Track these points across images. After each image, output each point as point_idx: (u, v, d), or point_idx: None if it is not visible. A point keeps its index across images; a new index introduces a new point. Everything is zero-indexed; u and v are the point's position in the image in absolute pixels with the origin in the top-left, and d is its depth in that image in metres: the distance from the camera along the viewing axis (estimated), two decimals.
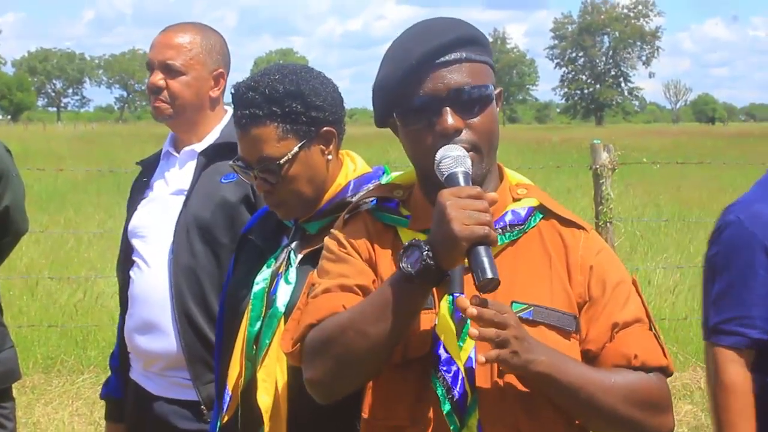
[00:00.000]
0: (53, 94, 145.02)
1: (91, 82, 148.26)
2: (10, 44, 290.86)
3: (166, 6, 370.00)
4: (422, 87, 1.78)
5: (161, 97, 2.85)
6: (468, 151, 1.76)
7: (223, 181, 2.73)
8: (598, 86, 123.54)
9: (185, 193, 2.81)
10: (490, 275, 1.59)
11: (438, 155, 1.74)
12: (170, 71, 2.84)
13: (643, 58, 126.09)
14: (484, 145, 1.80)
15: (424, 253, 1.63)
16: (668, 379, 1.85)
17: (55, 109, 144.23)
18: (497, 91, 1.86)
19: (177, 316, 2.71)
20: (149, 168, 3.01)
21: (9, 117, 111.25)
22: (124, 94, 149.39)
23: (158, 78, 2.83)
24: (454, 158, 1.72)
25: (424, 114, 1.79)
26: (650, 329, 1.83)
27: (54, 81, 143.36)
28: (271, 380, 2.09)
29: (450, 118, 1.76)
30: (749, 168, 18.25)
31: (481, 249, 1.60)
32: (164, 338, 2.75)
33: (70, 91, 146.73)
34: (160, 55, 2.84)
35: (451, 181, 1.70)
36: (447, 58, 1.79)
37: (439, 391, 1.73)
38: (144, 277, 2.82)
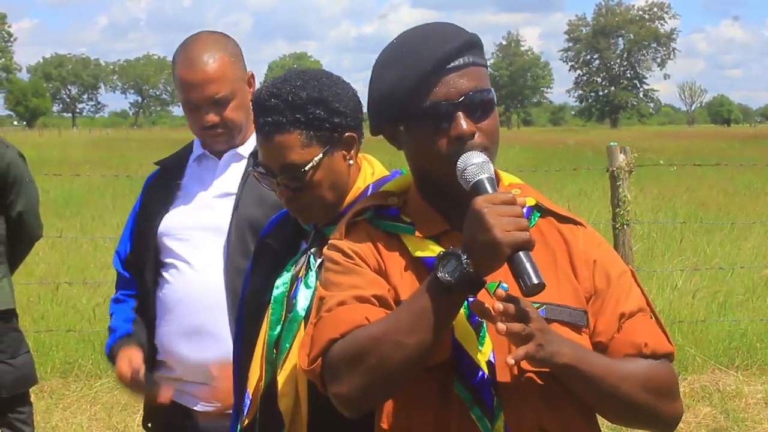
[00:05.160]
0: (68, 99, 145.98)
1: (105, 87, 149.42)
2: (26, 50, 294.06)
3: (180, 11, 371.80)
4: (434, 92, 1.78)
5: (218, 130, 2.75)
6: None
7: None
8: (612, 88, 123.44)
9: (232, 195, 2.74)
10: (536, 280, 1.60)
11: (461, 164, 1.73)
12: (220, 104, 2.73)
13: (658, 60, 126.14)
14: (492, 147, 1.81)
15: (464, 261, 1.62)
16: (687, 381, 1.86)
17: (70, 114, 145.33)
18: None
19: (233, 319, 2.59)
20: (174, 170, 2.89)
21: (24, 123, 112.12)
22: (139, 99, 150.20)
23: (212, 116, 2.72)
24: (478, 165, 1.72)
25: (436, 119, 1.78)
26: (651, 317, 1.86)
27: (69, 87, 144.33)
28: (292, 384, 2.08)
29: (464, 123, 1.76)
30: (766, 169, 18.21)
31: (522, 254, 1.61)
32: (217, 344, 2.65)
33: (85, 96, 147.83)
34: (206, 92, 2.70)
35: (479, 188, 1.70)
36: (457, 62, 1.79)
37: (465, 397, 1.73)
38: (188, 279, 2.72)
